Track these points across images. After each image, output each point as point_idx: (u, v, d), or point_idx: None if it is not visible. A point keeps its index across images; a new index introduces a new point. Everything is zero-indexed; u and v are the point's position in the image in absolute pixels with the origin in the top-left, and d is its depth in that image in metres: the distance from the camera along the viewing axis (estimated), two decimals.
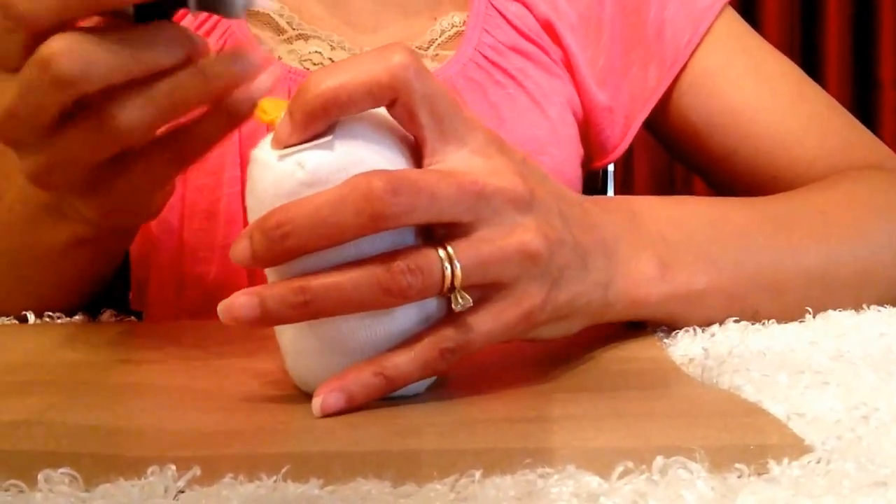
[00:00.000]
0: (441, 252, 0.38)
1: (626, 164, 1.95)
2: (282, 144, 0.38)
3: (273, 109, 0.41)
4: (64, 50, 0.38)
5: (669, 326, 0.51)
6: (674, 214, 0.52)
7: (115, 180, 0.44)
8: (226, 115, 0.43)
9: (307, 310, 0.37)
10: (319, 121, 0.38)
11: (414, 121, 0.39)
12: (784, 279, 0.54)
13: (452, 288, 0.38)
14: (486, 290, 0.40)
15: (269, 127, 0.40)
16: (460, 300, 0.38)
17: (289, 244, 0.37)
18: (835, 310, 0.53)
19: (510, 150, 0.42)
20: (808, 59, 1.95)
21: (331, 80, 0.37)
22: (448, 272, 0.38)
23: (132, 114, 0.39)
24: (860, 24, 1.95)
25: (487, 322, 0.40)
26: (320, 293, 0.37)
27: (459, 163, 0.39)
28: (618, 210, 0.49)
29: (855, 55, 1.96)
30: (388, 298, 0.37)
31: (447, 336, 0.39)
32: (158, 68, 0.40)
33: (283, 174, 0.38)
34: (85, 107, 0.40)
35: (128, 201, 0.46)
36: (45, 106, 0.39)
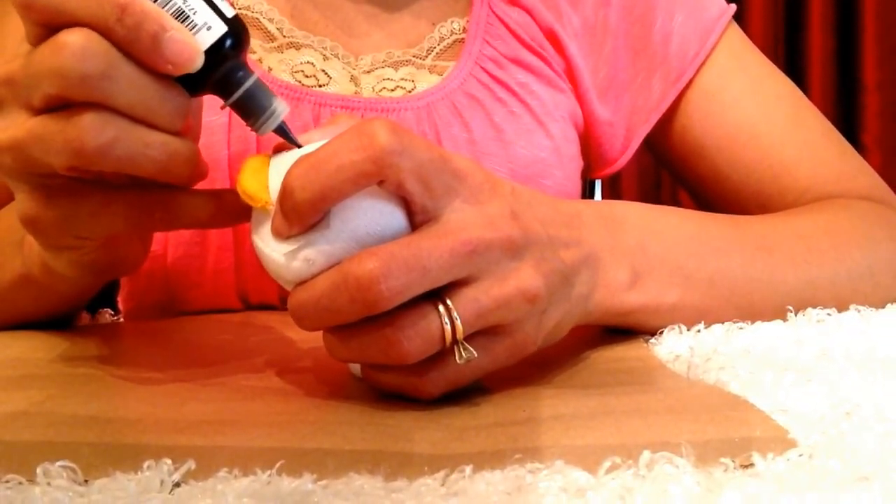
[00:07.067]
0: (441, 307, 0.38)
1: None
2: (282, 236, 0.39)
3: (251, 182, 0.40)
4: (87, 46, 0.36)
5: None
6: (655, 225, 0.52)
7: (73, 203, 0.41)
8: (212, 204, 0.44)
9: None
10: (312, 217, 0.38)
11: (404, 191, 0.38)
12: (759, 300, 0.54)
13: (455, 341, 0.38)
14: (484, 331, 0.40)
15: (250, 202, 0.40)
16: (464, 353, 0.39)
17: (306, 325, 0.39)
18: (816, 307, 0.54)
19: (499, 185, 0.41)
20: (793, 63, 1.96)
21: (316, 180, 0.37)
22: (448, 327, 0.38)
23: (100, 135, 0.37)
24: (844, 28, 1.96)
25: (482, 359, 0.40)
26: (327, 345, 0.40)
27: (452, 217, 0.39)
28: (600, 217, 0.49)
29: (839, 58, 1.97)
30: (390, 360, 0.38)
31: (441, 373, 0.39)
32: (154, 118, 0.39)
33: (294, 271, 0.39)
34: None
35: (82, 231, 0.42)
36: (41, 85, 0.37)
